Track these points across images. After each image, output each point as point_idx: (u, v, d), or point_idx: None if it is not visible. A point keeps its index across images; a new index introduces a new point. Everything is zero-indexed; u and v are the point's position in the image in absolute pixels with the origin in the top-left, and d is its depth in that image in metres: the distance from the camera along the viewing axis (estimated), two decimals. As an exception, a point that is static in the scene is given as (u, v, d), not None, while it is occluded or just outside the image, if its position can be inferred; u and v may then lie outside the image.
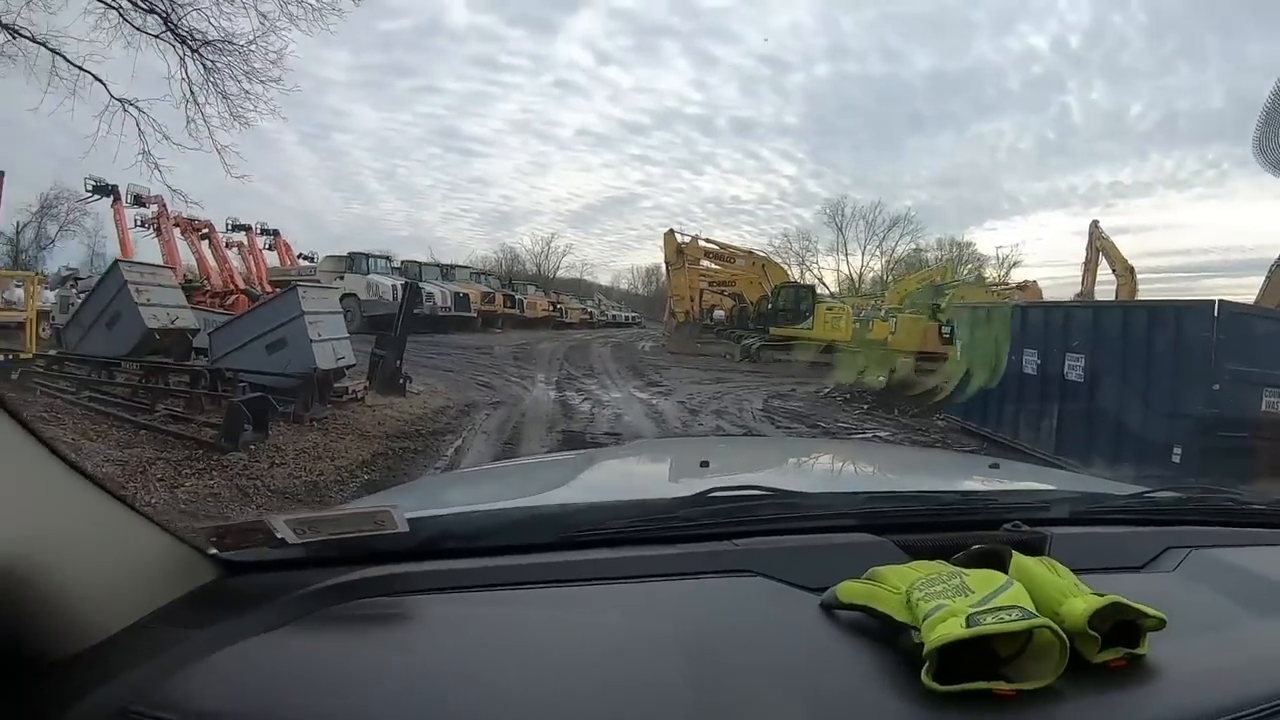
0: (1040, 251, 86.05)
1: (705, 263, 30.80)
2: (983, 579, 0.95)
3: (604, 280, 70.35)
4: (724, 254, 30.83)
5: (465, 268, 41.52)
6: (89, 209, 36.76)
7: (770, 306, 29.10)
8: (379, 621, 1.05)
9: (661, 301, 49.97)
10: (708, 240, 31.02)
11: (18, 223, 46.96)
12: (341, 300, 29.80)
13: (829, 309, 29.21)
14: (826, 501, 1.46)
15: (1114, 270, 26.56)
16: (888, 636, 0.96)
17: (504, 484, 2.31)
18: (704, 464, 1.89)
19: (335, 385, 11.27)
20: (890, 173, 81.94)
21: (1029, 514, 1.33)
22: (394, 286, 29.59)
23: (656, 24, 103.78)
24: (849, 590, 1.03)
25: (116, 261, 13.82)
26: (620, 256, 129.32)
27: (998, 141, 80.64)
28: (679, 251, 29.42)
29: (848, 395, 18.09)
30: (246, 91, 14.29)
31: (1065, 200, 70.45)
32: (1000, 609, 0.87)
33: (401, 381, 13.63)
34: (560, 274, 63.32)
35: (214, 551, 1.14)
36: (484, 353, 23.66)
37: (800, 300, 29.14)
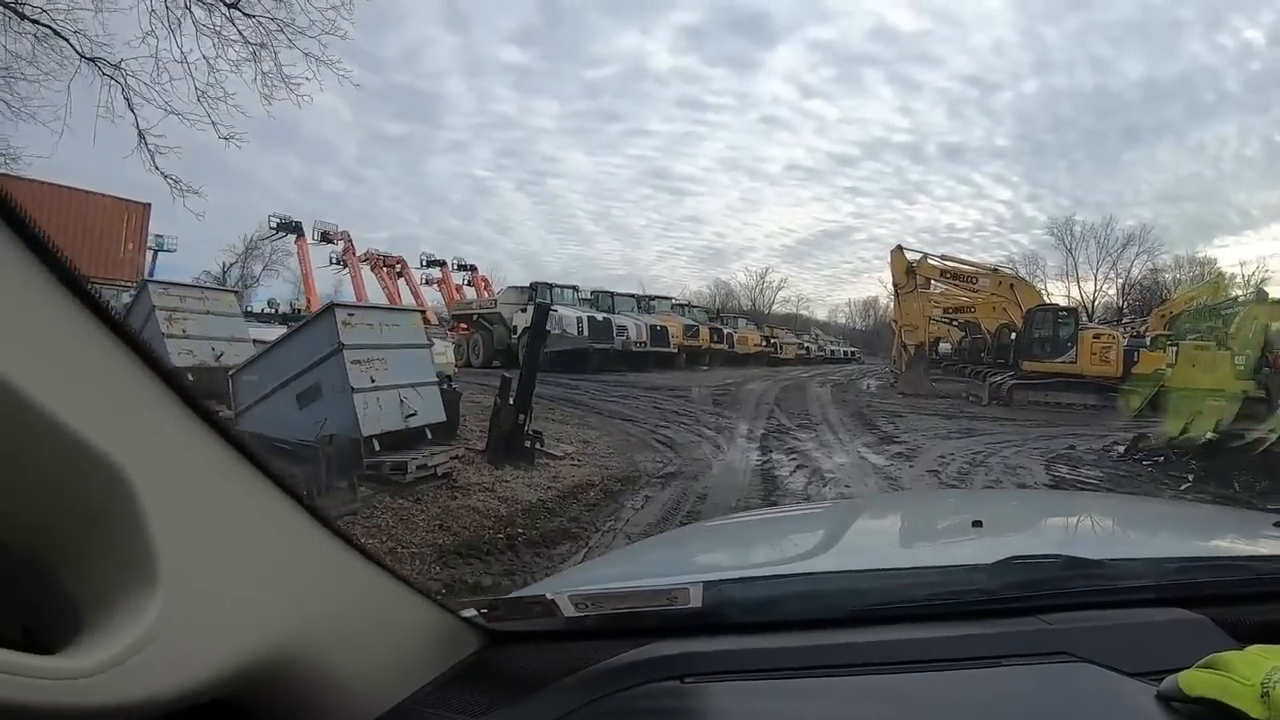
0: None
1: (938, 285, 26.62)
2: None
3: (820, 315, 70.22)
4: (963, 273, 26.29)
5: (667, 299, 38.94)
6: (290, 247, 36.37)
7: (1021, 335, 24.41)
8: (668, 703, 1.00)
9: (879, 336, 48.80)
10: (942, 258, 26.51)
11: (224, 263, 49.61)
12: (523, 334, 28.07)
13: (1095, 337, 24.00)
14: (1130, 570, 1.26)
15: None
16: None
17: (782, 539, 2.06)
18: (976, 523, 1.67)
19: (404, 457, 7.67)
20: (1109, 191, 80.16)
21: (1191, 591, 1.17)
22: (580, 319, 27.00)
23: (857, 53, 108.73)
24: (1194, 681, 0.89)
25: (145, 282, 11.46)
26: (836, 290, 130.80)
27: (1221, 149, 77.32)
28: (909, 271, 25.26)
29: (1155, 456, 13.38)
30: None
31: None
32: None
33: (528, 444, 9.61)
34: (775, 309, 63.06)
35: (480, 623, 1.11)
36: (678, 395, 20.63)
37: (1060, 327, 24.12)
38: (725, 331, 36.31)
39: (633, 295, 34.73)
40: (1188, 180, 71.78)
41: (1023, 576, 1.18)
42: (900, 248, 25.64)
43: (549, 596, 1.13)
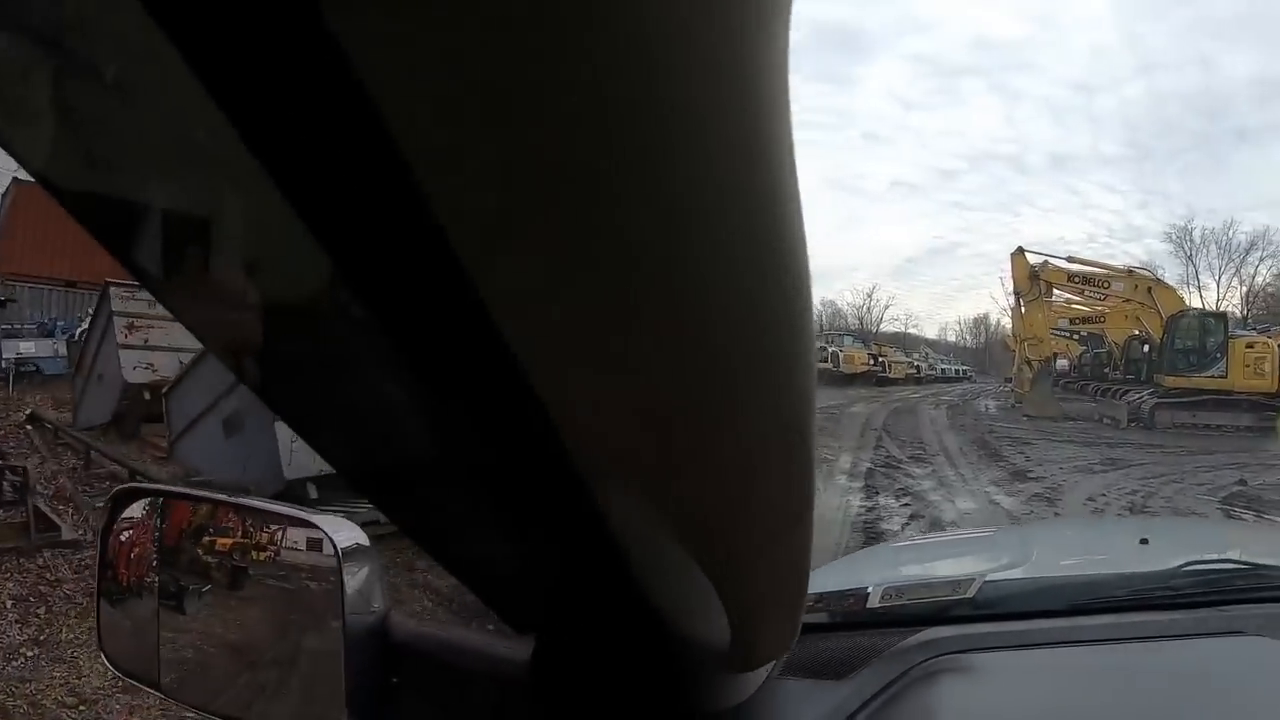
0: None
1: (1060, 294, 24.41)
2: None
3: (929, 333, 66.58)
4: (1094, 277, 23.90)
5: None
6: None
7: (1162, 346, 21.99)
8: (958, 673, 1.17)
9: (991, 353, 48.05)
10: (1069, 259, 24.24)
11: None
12: None
13: (1249, 346, 21.37)
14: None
15: None
16: None
17: (965, 558, 2.24)
18: (1143, 541, 1.89)
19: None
20: (1222, 196, 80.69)
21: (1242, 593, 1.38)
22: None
23: (956, 64, 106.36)
24: None
25: (107, 284, 9.14)
26: (944, 308, 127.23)
27: None
28: (1033, 277, 23.16)
29: None
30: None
31: None
32: None
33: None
34: (883, 327, 60.16)
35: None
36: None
37: (1208, 335, 21.57)
38: (830, 350, 34.22)
39: None
40: None
41: (1203, 576, 1.41)
42: (1022, 249, 23.55)
43: (864, 588, 1.35)
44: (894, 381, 37.36)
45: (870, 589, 1.32)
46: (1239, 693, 1.08)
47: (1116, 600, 1.36)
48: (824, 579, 1.45)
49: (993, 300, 76.09)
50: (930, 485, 11.71)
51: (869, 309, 62.43)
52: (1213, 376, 20.58)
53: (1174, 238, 52.10)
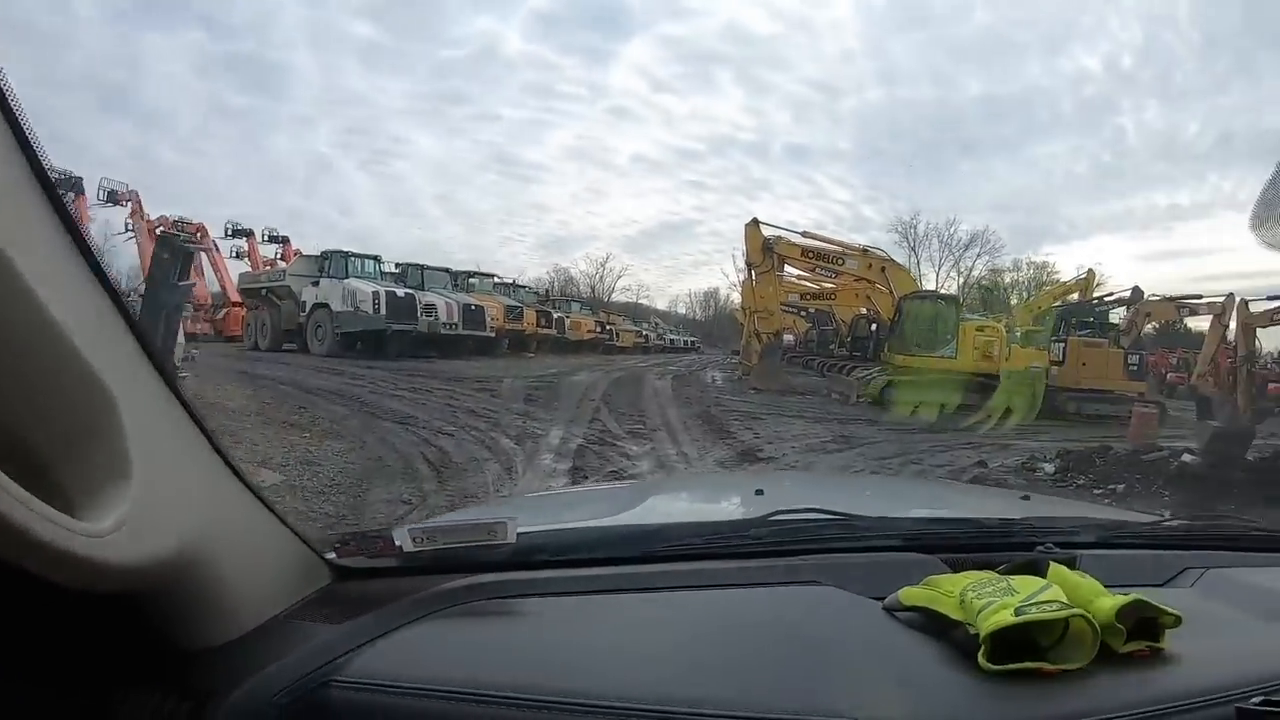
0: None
1: (793, 269, 23.08)
2: (1025, 583, 1.07)
3: (660, 305, 69.11)
4: (828, 253, 22.40)
5: (489, 276, 33.89)
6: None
7: (893, 325, 20.97)
8: (491, 617, 1.15)
9: (720, 326, 48.66)
10: (804, 234, 22.76)
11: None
12: (312, 312, 22.99)
13: (979, 329, 20.86)
14: (881, 524, 1.59)
15: None
16: (945, 632, 1.07)
17: (587, 506, 2.34)
18: (759, 492, 1.95)
19: None
20: (945, 198, 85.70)
21: (1060, 538, 1.42)
22: (376, 295, 22.47)
23: (709, 51, 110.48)
24: (909, 594, 1.15)
25: None
26: (676, 282, 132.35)
27: (1052, 165, 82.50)
28: (766, 249, 21.28)
29: (1087, 471, 10.44)
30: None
31: (1122, 224, 74.10)
32: (1043, 603, 1.00)
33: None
34: (615, 297, 61.70)
35: (332, 557, 1.29)
36: (485, 388, 16.20)
37: (940, 317, 20.74)
38: (556, 316, 32.06)
39: (447, 270, 29.61)
40: (1020, 192, 78.08)
41: (784, 527, 1.46)
42: (757, 221, 21.76)
43: (391, 534, 1.30)
44: (622, 350, 36.90)
45: (399, 532, 1.28)
46: (802, 640, 1.09)
47: (693, 548, 1.37)
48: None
49: (724, 276, 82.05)
50: (648, 466, 9.52)
51: (601, 278, 63.68)
52: (943, 357, 19.71)
53: (899, 229, 55.81)
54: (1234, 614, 1.24)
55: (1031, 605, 0.99)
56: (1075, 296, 26.89)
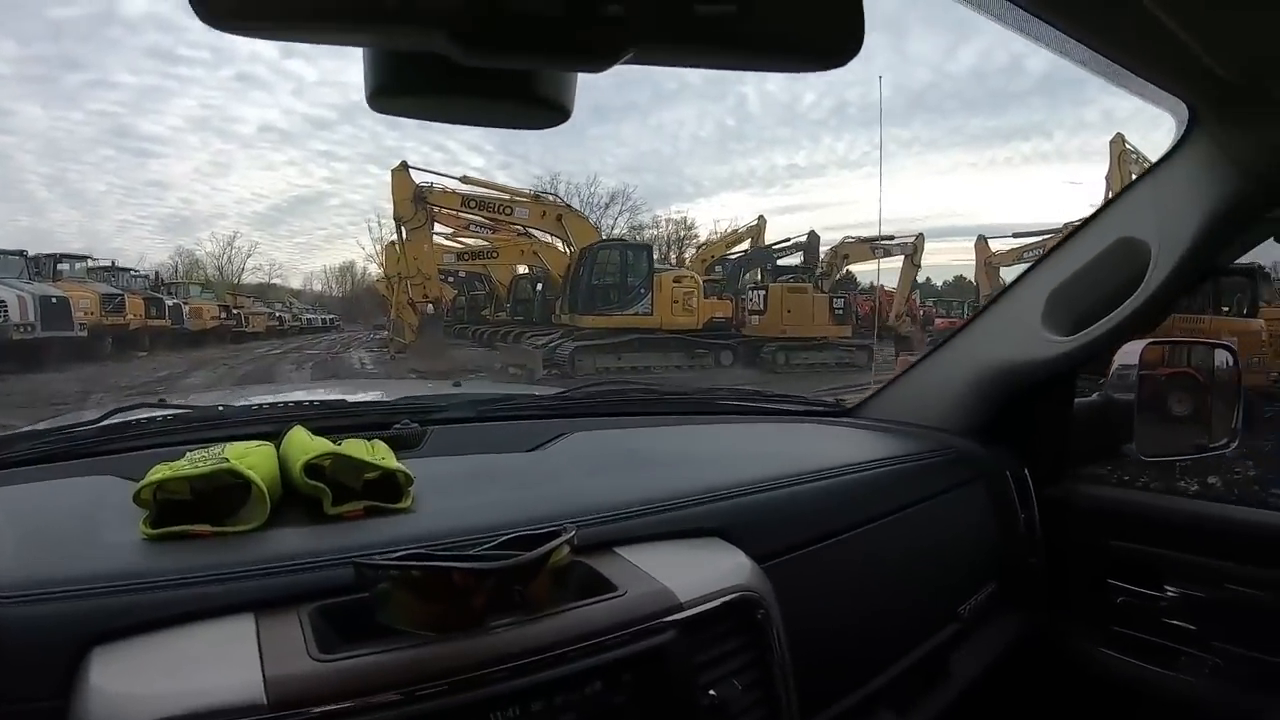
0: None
1: (443, 226, 19.41)
2: (241, 450, 1.06)
3: (295, 284, 62.66)
4: (493, 201, 18.75)
5: (81, 258, 26.67)
6: None
7: (576, 281, 18.02)
8: None
9: (359, 302, 46.83)
10: (465, 179, 18.91)
11: None
12: None
13: (676, 281, 18.34)
14: (239, 414, 1.54)
15: None
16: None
17: None
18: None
19: None
20: (577, 161, 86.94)
21: (424, 415, 1.47)
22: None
23: None
24: (157, 470, 1.05)
25: None
26: (310, 257, 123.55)
27: (679, 130, 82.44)
28: (418, 199, 17.37)
29: None
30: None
31: (746, 182, 74.43)
32: (199, 460, 1.02)
33: None
34: (246, 278, 54.59)
35: None
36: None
37: (631, 269, 17.99)
38: (170, 303, 25.95)
39: (20, 254, 22.41)
40: (649, 155, 77.64)
41: (119, 423, 1.41)
42: (406, 165, 17.69)
43: None
44: (254, 336, 31.62)
45: None
46: (63, 527, 1.05)
47: (34, 451, 1.31)
48: None
49: (360, 248, 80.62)
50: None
51: (230, 258, 56.46)
52: (637, 314, 17.11)
53: (540, 188, 54.03)
54: (554, 467, 1.38)
55: (186, 463, 1.01)
56: (746, 245, 25.64)
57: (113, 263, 28.09)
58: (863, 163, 78.19)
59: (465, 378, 14.64)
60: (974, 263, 20.95)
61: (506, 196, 18.97)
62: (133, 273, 28.77)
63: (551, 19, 0.47)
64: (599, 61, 0.50)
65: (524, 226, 19.35)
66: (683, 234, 50.10)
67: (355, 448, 1.12)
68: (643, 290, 17.50)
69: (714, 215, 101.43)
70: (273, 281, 57.17)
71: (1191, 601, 1.67)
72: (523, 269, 21.78)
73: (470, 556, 0.90)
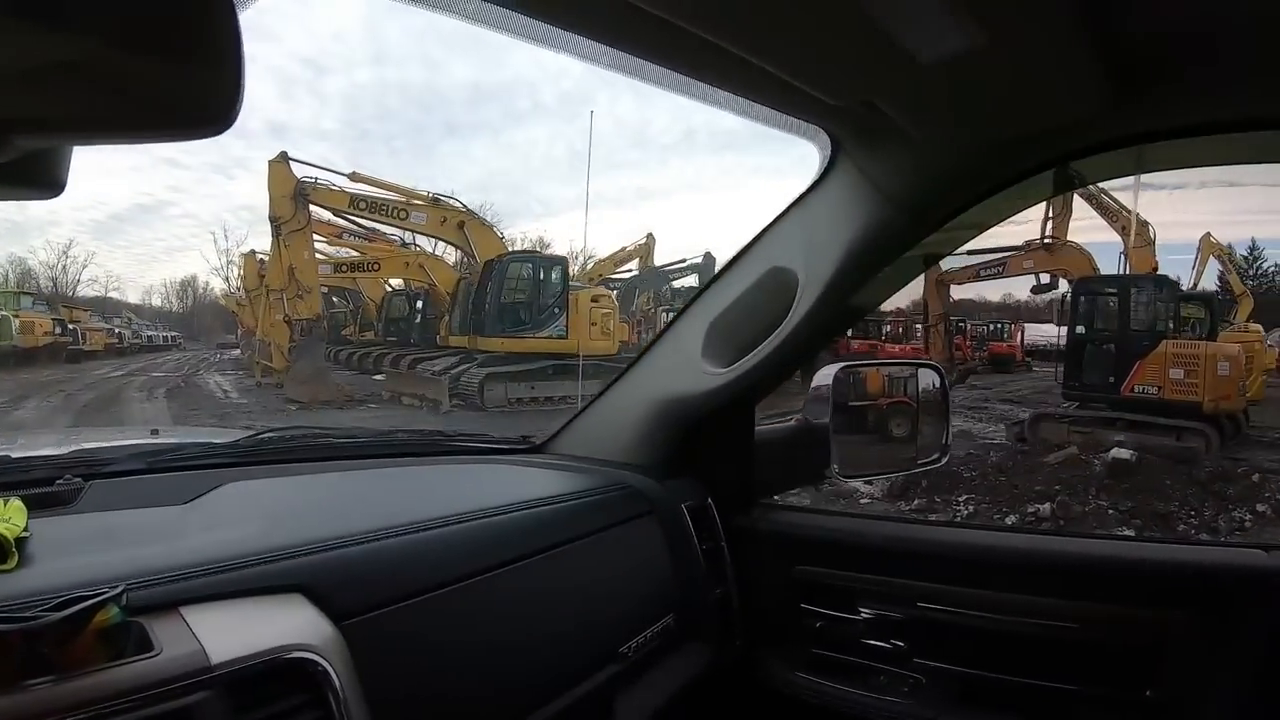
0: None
1: (318, 232, 17.00)
2: None
3: (133, 298, 59.38)
4: (388, 204, 16.56)
5: None
6: None
7: (479, 297, 16.05)
8: None
9: (200, 319, 45.08)
10: (355, 176, 16.59)
11: None
12: None
13: (594, 300, 16.63)
14: None
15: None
16: None
17: None
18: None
19: None
20: (425, 178, 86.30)
21: (93, 468, 1.39)
22: None
23: None
24: None
25: None
26: (150, 270, 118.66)
27: (531, 149, 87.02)
28: (299, 197, 15.04)
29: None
30: None
31: (594, 203, 78.85)
32: None
33: None
34: (82, 290, 51.22)
35: None
36: None
37: (543, 287, 16.07)
38: (-7, 318, 22.48)
39: None
40: (498, 173, 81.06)
41: None
42: (286, 156, 15.31)
43: None
44: (92, 355, 28.44)
45: None
46: None
47: None
48: None
49: (204, 260, 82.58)
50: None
51: (65, 268, 52.31)
52: (551, 338, 15.33)
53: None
54: (179, 526, 1.26)
55: None
56: (634, 265, 24.51)
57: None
58: (712, 188, 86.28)
59: (354, 412, 12.61)
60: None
61: (402, 199, 16.86)
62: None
63: None
64: None
65: (416, 234, 17.41)
66: (544, 251, 50.80)
67: None
68: (557, 310, 15.76)
69: (566, 234, 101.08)
70: (110, 295, 53.86)
71: (888, 621, 1.73)
72: (397, 283, 19.90)
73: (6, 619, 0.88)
